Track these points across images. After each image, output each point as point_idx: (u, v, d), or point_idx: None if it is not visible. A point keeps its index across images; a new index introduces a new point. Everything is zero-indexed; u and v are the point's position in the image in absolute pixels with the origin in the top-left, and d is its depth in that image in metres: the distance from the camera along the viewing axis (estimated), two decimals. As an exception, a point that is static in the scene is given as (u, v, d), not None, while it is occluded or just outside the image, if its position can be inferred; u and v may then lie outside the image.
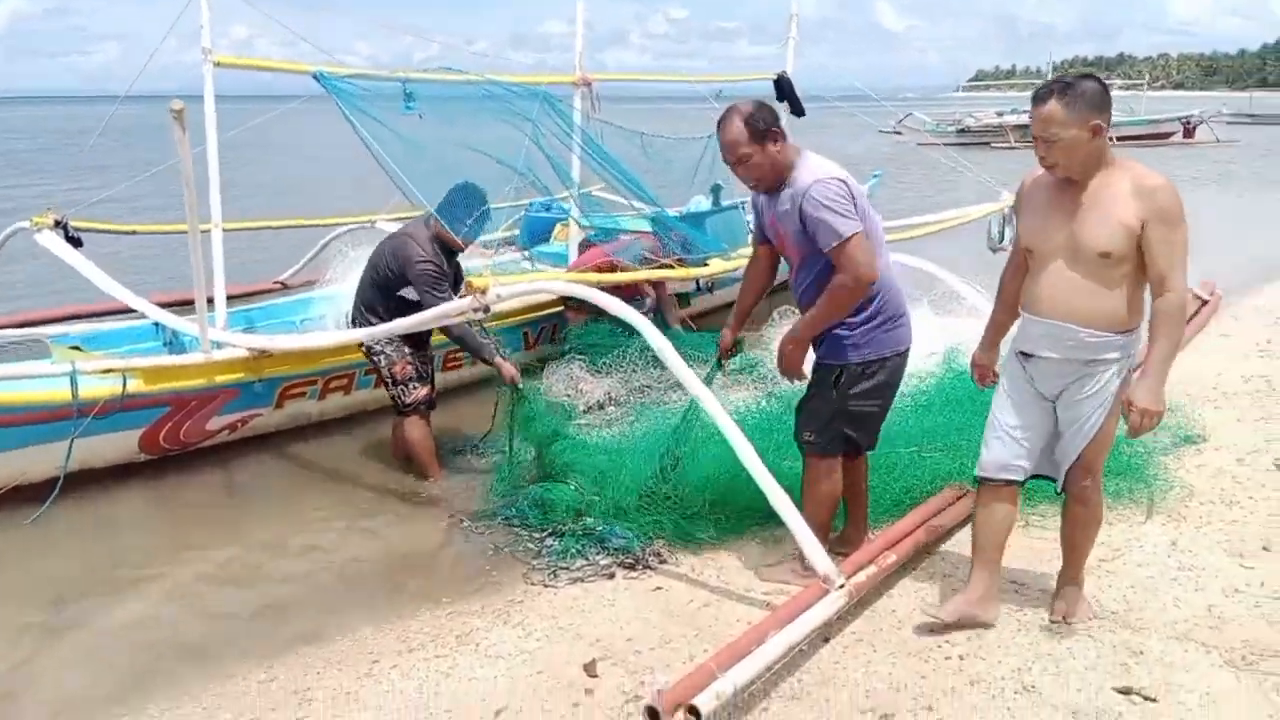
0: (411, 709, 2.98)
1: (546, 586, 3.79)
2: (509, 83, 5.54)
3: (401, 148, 4.82)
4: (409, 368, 4.94)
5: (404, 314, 4.66)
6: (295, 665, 3.34)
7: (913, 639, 3.22)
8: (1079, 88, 2.79)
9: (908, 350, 3.51)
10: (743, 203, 7.48)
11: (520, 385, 4.67)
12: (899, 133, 34.21)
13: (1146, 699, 2.82)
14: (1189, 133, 32.63)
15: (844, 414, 3.45)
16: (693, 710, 2.54)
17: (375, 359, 5.01)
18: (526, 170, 5.02)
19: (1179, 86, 78.41)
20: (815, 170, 3.27)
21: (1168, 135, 32.62)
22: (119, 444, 4.86)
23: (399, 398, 4.98)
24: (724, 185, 7.02)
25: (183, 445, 5.09)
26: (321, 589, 3.97)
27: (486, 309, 4.06)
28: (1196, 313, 7.53)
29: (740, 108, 3.35)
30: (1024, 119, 33.28)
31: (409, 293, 4.81)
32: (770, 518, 3.64)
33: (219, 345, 5.11)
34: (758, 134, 3.29)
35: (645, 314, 6.43)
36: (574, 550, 3.98)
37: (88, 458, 4.73)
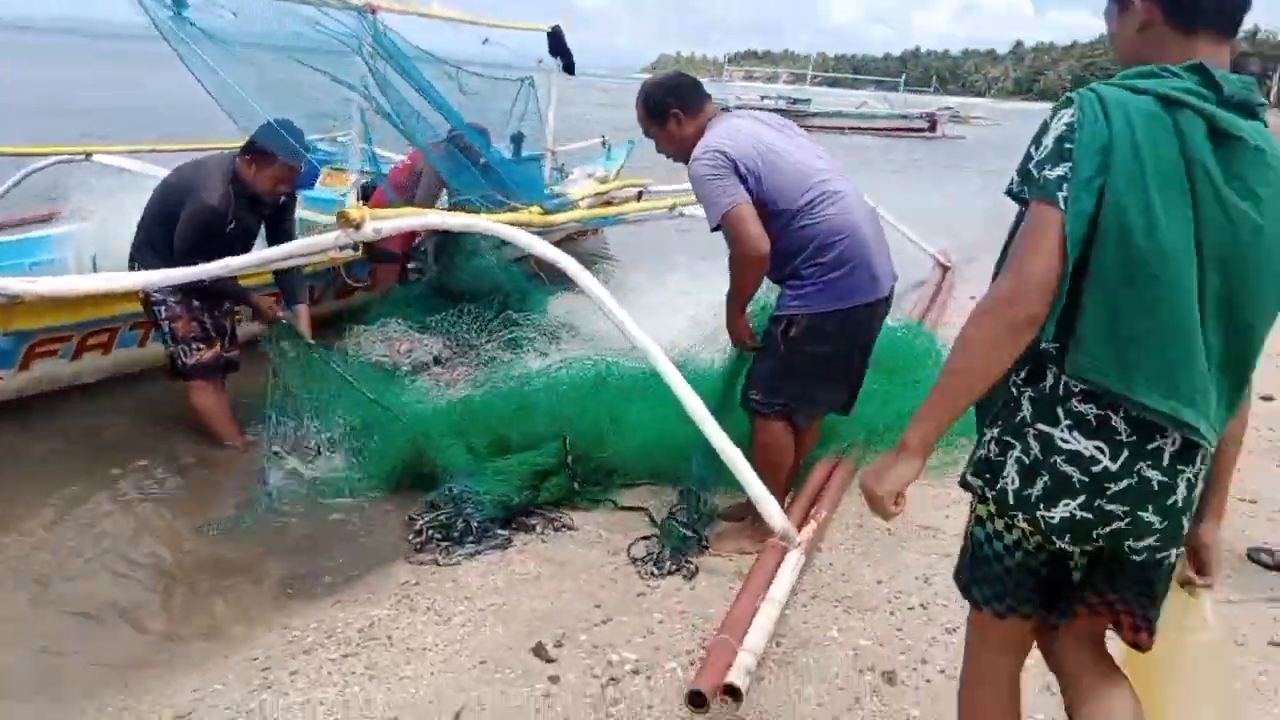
0: (345, 721, 2.46)
1: (440, 565, 3.31)
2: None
3: (216, 58, 3.98)
4: (193, 324, 4.15)
5: (204, 255, 3.83)
6: (155, 688, 2.64)
7: (865, 592, 3.14)
8: None
9: (875, 304, 3.10)
10: (541, 155, 7.09)
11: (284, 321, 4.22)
12: None
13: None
14: (933, 127, 36.26)
15: (791, 371, 3.13)
16: (730, 690, 2.28)
17: (155, 310, 4.17)
18: (365, 91, 4.33)
19: (834, 84, 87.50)
20: (701, 145, 3.05)
21: (919, 130, 36.20)
22: None
23: (178, 358, 4.18)
24: (525, 135, 6.60)
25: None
26: (142, 590, 3.20)
27: (356, 246, 3.43)
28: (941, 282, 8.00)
29: (645, 84, 3.26)
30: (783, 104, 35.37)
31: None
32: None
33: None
34: (652, 114, 3.20)
35: (421, 255, 5.88)
36: (455, 521, 3.50)
37: None
